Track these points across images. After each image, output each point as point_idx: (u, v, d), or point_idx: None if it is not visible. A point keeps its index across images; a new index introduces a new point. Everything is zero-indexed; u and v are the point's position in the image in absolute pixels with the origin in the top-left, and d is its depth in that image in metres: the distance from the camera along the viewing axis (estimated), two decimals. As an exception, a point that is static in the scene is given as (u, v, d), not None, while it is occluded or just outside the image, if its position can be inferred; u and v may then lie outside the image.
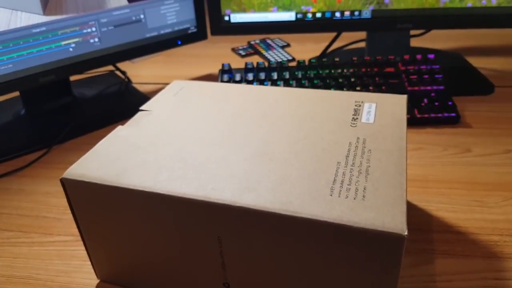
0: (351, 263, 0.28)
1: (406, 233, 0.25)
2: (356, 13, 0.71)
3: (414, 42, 0.90)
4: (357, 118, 0.38)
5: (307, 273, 0.30)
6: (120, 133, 0.38)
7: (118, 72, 0.84)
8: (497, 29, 0.97)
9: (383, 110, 0.39)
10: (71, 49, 0.63)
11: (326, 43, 0.95)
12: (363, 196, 0.28)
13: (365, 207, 0.27)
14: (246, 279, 0.32)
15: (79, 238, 0.44)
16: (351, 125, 0.37)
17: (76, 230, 0.45)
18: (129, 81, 0.79)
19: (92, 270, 0.40)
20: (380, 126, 0.36)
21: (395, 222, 0.26)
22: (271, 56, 0.90)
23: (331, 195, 0.29)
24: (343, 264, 0.28)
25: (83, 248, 0.43)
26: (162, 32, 0.71)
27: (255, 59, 0.90)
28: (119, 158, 0.34)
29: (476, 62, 0.80)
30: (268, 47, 0.95)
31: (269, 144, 0.34)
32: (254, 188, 0.30)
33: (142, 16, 0.68)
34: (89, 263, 0.41)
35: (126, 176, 0.32)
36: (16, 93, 0.77)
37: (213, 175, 0.31)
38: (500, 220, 0.44)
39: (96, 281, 0.39)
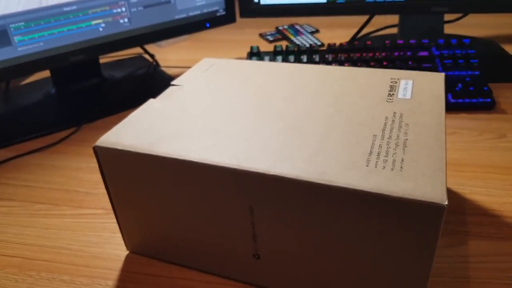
0: (387, 235, 0.27)
1: (446, 203, 0.25)
2: (389, -4, 0.69)
3: (448, 29, 0.88)
4: (393, 94, 0.37)
5: (339, 245, 0.29)
6: (152, 105, 0.38)
7: (146, 55, 0.84)
8: (534, 16, 0.93)
9: (420, 87, 0.38)
10: (101, 29, 0.64)
11: (356, 29, 0.93)
12: (401, 167, 0.27)
13: (403, 177, 0.27)
14: (277, 250, 0.32)
15: (109, 211, 0.45)
16: (387, 101, 0.36)
17: (106, 204, 0.46)
18: (157, 64, 0.79)
19: (122, 242, 0.41)
20: (417, 102, 0.35)
21: (435, 192, 0.25)
22: (300, 41, 0.89)
23: (367, 166, 0.28)
24: (379, 236, 0.27)
25: (113, 221, 0.43)
26: (190, 14, 0.71)
27: (284, 44, 0.89)
28: (152, 128, 0.34)
29: (513, 49, 0.78)
30: (297, 32, 0.94)
31: (303, 118, 0.34)
32: (288, 159, 0.29)
33: (171, -2, 0.68)
34: (119, 235, 0.42)
35: (159, 145, 0.32)
36: (47, 74, 0.78)
37: (246, 146, 0.31)
38: (539, 205, 0.42)
39: (126, 252, 0.39)
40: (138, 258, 0.39)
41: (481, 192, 0.44)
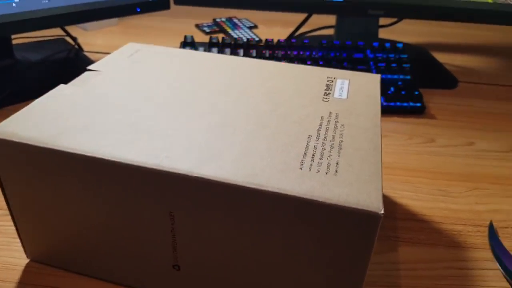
0: (320, 243, 0.25)
1: (382, 212, 0.23)
2: (328, -5, 0.69)
3: (382, 34, 0.89)
4: (329, 93, 0.35)
5: (267, 254, 0.26)
6: (62, 91, 0.33)
7: (68, 38, 0.77)
8: (462, 28, 0.98)
9: (356, 87, 0.36)
10: (14, 5, 0.56)
11: (294, 28, 0.92)
12: (336, 171, 0.25)
13: (338, 182, 0.24)
14: (199, 261, 0.28)
15: (7, 212, 0.39)
16: (323, 100, 0.34)
17: (3, 204, 0.40)
18: (80, 48, 0.72)
19: (21, 248, 0.35)
20: (353, 102, 0.34)
21: (371, 199, 0.23)
22: (237, 35, 0.86)
23: (301, 169, 0.25)
24: (311, 244, 0.25)
25: (11, 223, 0.38)
26: (120, -4, 0.65)
27: (219, 37, 0.86)
28: (58, 117, 0.29)
29: (442, 58, 0.81)
30: (235, 26, 0.91)
31: (234, 115, 0.31)
32: (215, 159, 0.26)
33: (98, -24, 0.62)
34: (18, 240, 0.36)
35: (65, 138, 0.27)
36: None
37: (168, 143, 0.27)
38: (463, 210, 0.43)
39: (25, 260, 0.34)
40: (39, 267, 0.34)
41: (411, 196, 0.44)
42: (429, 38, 0.91)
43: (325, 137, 0.29)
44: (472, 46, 0.88)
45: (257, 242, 0.26)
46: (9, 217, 0.38)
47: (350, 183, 0.25)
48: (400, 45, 0.67)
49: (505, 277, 0.35)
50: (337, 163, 0.26)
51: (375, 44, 0.67)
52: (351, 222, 0.24)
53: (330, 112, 0.32)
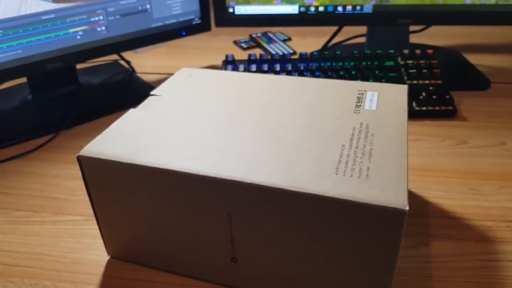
0: (354, 238, 0.30)
1: (407, 208, 0.27)
2: (358, 7, 0.73)
3: (413, 39, 0.92)
4: (360, 106, 0.39)
5: (312, 248, 0.31)
6: (133, 115, 0.39)
7: (122, 62, 0.85)
8: (493, 27, 0.99)
9: (385, 98, 0.41)
10: (78, 37, 0.64)
11: (327, 38, 0.97)
12: (367, 175, 0.30)
13: (368, 185, 0.29)
14: (254, 254, 0.34)
15: (89, 218, 0.46)
16: (354, 112, 0.38)
17: (85, 211, 0.47)
18: (133, 70, 0.80)
19: (103, 248, 0.42)
20: (382, 113, 0.38)
21: (397, 198, 0.28)
22: (272, 49, 0.91)
23: (337, 174, 0.30)
24: (349, 240, 0.30)
25: (93, 227, 0.44)
26: (167, 22, 0.73)
27: (256, 52, 0.91)
28: (133, 137, 0.36)
29: (473, 59, 0.82)
30: (270, 40, 0.96)
31: (276, 129, 0.36)
32: (263, 167, 0.31)
33: (148, 6, 0.69)
34: (100, 241, 0.43)
35: (141, 155, 0.33)
36: (24, 80, 0.78)
37: (223, 155, 0.33)
38: (494, 207, 0.46)
39: (107, 257, 0.41)
40: (119, 263, 0.40)
41: (443, 195, 0.48)
42: (460, 39, 0.93)
43: (357, 146, 0.33)
44: (504, 45, 0.89)
45: (303, 238, 0.31)
46: (92, 222, 0.45)
47: (379, 185, 0.29)
48: (430, 51, 0.70)
49: (532, 267, 0.38)
50: (368, 168, 0.31)
51: (406, 51, 0.70)
52: (381, 219, 0.28)
53: (361, 123, 0.36)
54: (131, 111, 0.40)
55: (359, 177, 0.30)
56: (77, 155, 0.34)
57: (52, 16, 0.60)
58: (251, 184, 0.30)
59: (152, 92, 0.43)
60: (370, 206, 0.28)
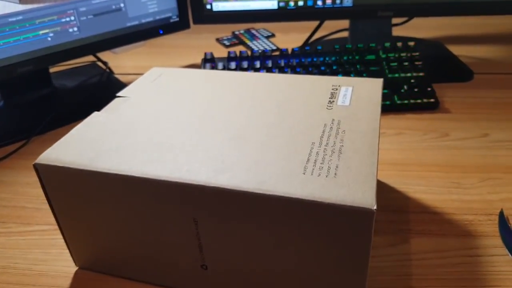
0: (324, 239, 0.28)
1: (375, 208, 0.26)
2: (338, 1, 0.71)
3: (397, 32, 0.91)
4: (333, 101, 0.38)
5: (281, 251, 0.30)
6: (96, 118, 0.37)
7: (99, 63, 0.83)
8: (477, 18, 0.98)
9: (359, 93, 0.39)
10: (49, 39, 0.62)
11: (311, 33, 0.95)
12: (335, 174, 0.29)
13: (336, 184, 0.28)
14: (223, 260, 0.32)
15: (57, 227, 0.44)
16: (327, 108, 0.37)
17: (53, 220, 0.45)
18: (111, 71, 0.78)
19: (71, 258, 0.40)
20: (355, 108, 0.37)
21: (365, 197, 0.26)
22: (256, 46, 0.90)
23: (304, 174, 0.29)
24: (317, 241, 0.28)
25: (61, 236, 0.43)
26: (143, 21, 0.71)
27: (239, 49, 0.90)
28: (93, 142, 0.34)
29: (457, 50, 0.81)
30: (253, 37, 0.95)
31: (246, 128, 0.35)
32: (229, 169, 0.30)
33: (122, 5, 0.67)
34: (68, 251, 0.41)
35: (100, 160, 0.32)
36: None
37: (188, 158, 0.31)
38: (475, 201, 0.44)
39: (75, 268, 0.39)
40: (87, 274, 0.38)
41: (424, 190, 0.46)
42: (444, 31, 0.92)
43: (327, 143, 0.32)
44: (487, 35, 0.88)
45: (271, 241, 0.30)
46: (59, 231, 0.43)
47: (347, 184, 0.28)
48: (411, 43, 0.69)
49: (514, 262, 0.37)
50: (337, 166, 0.29)
51: (387, 44, 0.69)
52: (349, 219, 0.27)
53: (333, 119, 0.35)
54: (95, 114, 0.38)
55: (327, 176, 0.28)
56: (33, 162, 0.32)
57: (20, 17, 0.58)
58: (214, 188, 0.29)
59: (118, 94, 0.41)
60: (337, 207, 0.27)
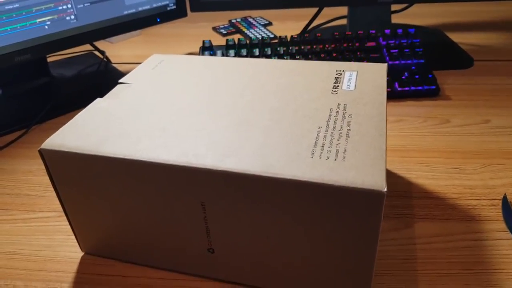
0: (333, 222, 0.28)
1: (385, 190, 0.26)
2: (337, -12, 0.71)
3: (396, 19, 0.91)
4: (338, 86, 0.38)
5: (289, 234, 0.30)
6: (99, 104, 0.37)
7: (97, 52, 0.82)
8: (476, 5, 0.98)
9: (363, 78, 0.39)
10: (46, 27, 0.61)
11: (308, 21, 0.95)
12: (344, 157, 0.29)
13: (345, 167, 0.28)
14: (230, 243, 0.32)
15: (62, 213, 0.44)
16: (332, 93, 0.37)
17: (58, 206, 0.45)
18: (108, 60, 0.77)
19: (76, 244, 0.40)
20: (360, 92, 0.37)
21: (375, 179, 0.27)
22: (253, 34, 0.89)
23: (312, 157, 0.29)
24: (326, 224, 0.28)
25: (66, 223, 0.43)
26: (140, 9, 0.70)
27: (236, 38, 0.89)
28: (98, 128, 0.34)
29: (456, 37, 0.81)
30: (250, 25, 0.94)
31: (250, 113, 0.34)
32: (235, 153, 0.30)
33: (120, -7, 0.67)
34: (73, 237, 0.41)
35: (106, 145, 0.31)
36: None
37: (194, 142, 0.31)
38: (478, 186, 0.45)
39: (80, 253, 0.39)
40: (93, 259, 0.38)
41: (426, 176, 0.47)
42: (443, 18, 0.91)
43: (334, 127, 0.32)
44: (486, 23, 0.88)
45: (279, 225, 0.30)
46: (64, 218, 0.43)
47: (356, 167, 0.28)
48: (412, 30, 0.69)
49: (517, 245, 0.38)
50: (345, 150, 0.29)
51: (387, 31, 0.69)
52: (358, 201, 0.27)
53: (339, 104, 0.35)
54: (97, 100, 0.38)
55: (335, 160, 0.28)
56: (39, 148, 0.32)
57: (17, 5, 0.58)
58: (222, 172, 0.29)
59: (120, 80, 0.41)
60: (347, 189, 0.27)
